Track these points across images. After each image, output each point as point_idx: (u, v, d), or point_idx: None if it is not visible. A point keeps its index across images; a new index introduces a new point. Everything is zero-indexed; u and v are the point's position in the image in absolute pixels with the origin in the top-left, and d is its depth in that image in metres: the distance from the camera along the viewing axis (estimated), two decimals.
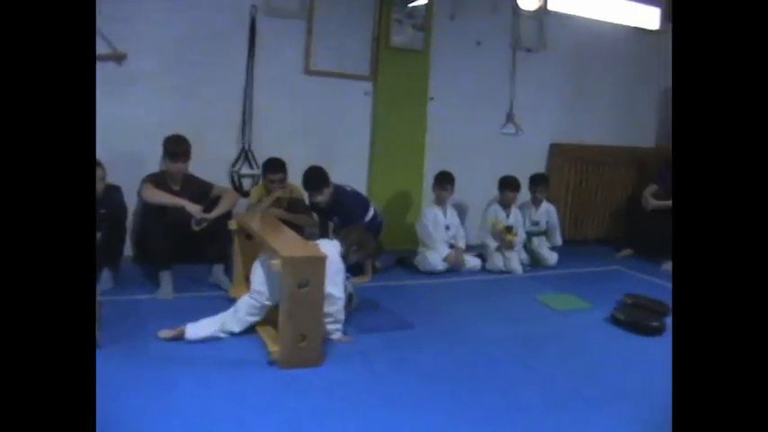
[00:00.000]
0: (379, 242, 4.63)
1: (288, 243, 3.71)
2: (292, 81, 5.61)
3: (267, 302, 3.64)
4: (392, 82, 5.91)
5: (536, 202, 6.27)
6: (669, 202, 6.45)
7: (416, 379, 3.37)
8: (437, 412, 3.03)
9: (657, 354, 4.06)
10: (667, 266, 6.32)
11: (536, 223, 6.23)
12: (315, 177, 4.99)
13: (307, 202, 5.20)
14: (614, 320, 4.56)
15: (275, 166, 5.04)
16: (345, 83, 5.78)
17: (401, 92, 5.97)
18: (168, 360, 3.34)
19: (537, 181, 6.26)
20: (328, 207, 5.10)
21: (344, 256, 3.83)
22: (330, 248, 3.73)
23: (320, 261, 3.37)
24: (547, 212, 6.30)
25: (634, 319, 4.52)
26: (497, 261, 5.73)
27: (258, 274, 3.63)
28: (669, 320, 4.59)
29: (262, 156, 5.29)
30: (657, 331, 4.44)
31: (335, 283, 3.63)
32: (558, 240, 6.36)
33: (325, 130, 5.73)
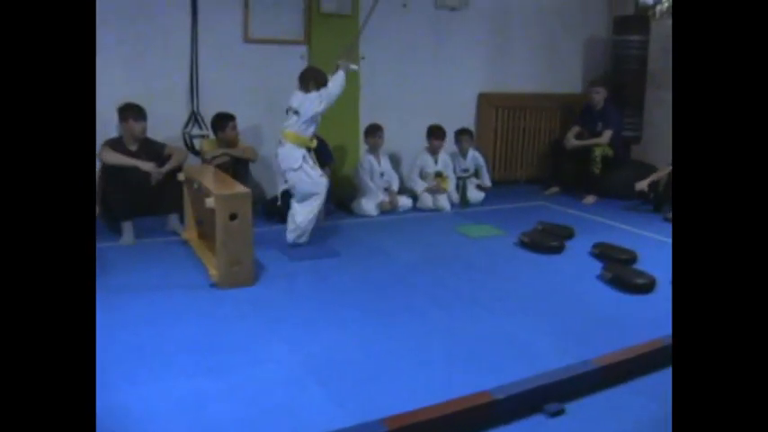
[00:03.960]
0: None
1: (220, 183, 4.35)
2: (233, 49, 6.18)
3: None
4: (325, 45, 6.46)
5: (462, 151, 6.91)
6: (587, 141, 7.14)
7: (332, 293, 4.08)
8: (350, 310, 3.76)
9: (550, 267, 4.79)
10: (587, 200, 7.05)
11: (465, 170, 6.88)
12: None
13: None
14: (520, 243, 5.28)
15: (223, 117, 5.70)
16: (282, 48, 6.36)
17: (334, 53, 6.52)
18: (126, 289, 4.03)
19: (460, 132, 6.92)
20: None
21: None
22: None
23: (246, 197, 4.02)
24: (474, 158, 6.95)
25: (536, 240, 5.24)
26: (426, 200, 6.39)
27: None
28: (569, 242, 5.32)
29: (210, 118, 5.91)
30: (556, 250, 5.17)
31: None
32: (488, 181, 7.03)
33: (266, 92, 6.28)
